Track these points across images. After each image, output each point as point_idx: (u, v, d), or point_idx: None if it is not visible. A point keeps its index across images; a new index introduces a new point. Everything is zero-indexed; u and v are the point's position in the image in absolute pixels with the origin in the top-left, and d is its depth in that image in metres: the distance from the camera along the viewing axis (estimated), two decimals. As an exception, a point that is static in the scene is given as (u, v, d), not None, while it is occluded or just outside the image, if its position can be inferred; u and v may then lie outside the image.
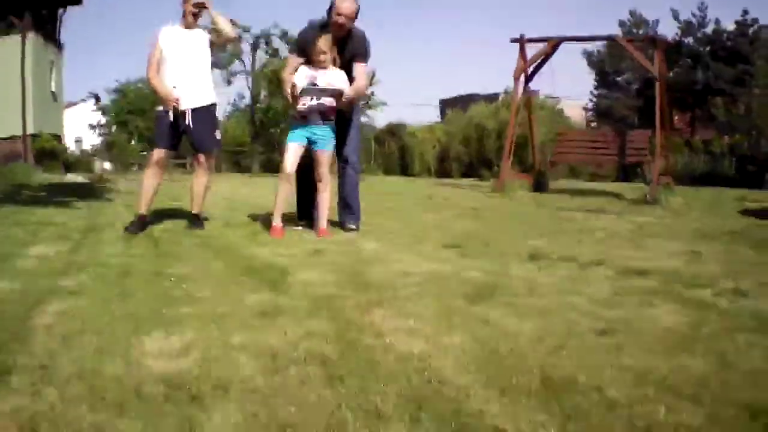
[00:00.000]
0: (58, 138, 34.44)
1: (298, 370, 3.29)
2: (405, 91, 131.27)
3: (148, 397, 2.92)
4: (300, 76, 7.99)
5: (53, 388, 2.97)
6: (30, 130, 30.78)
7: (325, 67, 7.96)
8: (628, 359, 3.47)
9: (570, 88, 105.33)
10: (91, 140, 58.63)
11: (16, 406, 2.78)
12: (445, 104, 61.94)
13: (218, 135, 8.70)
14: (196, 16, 8.36)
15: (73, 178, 25.94)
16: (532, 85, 20.31)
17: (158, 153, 8.40)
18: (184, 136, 8.45)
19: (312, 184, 8.32)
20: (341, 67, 8.20)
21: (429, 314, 4.37)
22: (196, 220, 8.55)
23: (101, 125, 58.34)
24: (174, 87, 8.14)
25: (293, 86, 7.93)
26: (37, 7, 32.11)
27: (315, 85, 7.93)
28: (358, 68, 8.29)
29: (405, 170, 42.07)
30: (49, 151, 31.44)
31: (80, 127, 57.35)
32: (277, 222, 8.07)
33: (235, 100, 58.31)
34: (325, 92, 7.91)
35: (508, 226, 9.94)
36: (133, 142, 52.15)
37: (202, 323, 4.08)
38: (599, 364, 3.38)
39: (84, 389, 2.98)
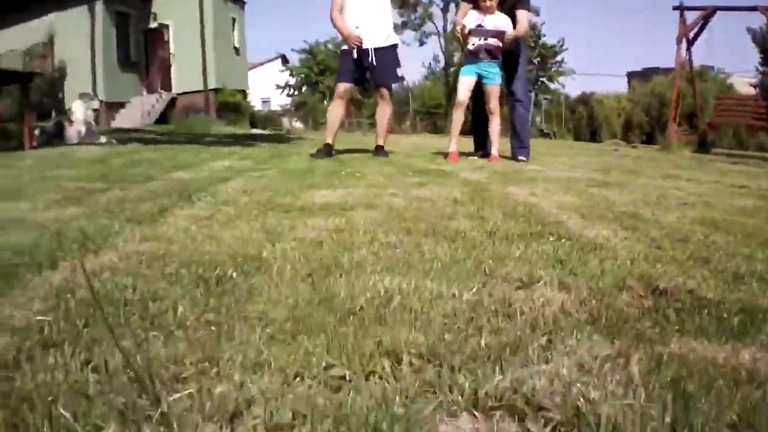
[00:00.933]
0: (243, 93, 36.74)
1: (433, 204, 4.67)
2: (597, 62, 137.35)
3: (308, 208, 4.34)
4: (470, 19, 9.59)
5: (230, 207, 4.39)
6: (212, 85, 33.25)
7: (491, 12, 9.45)
8: (693, 213, 4.69)
9: (739, 64, 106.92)
10: (279, 101, 60.77)
11: (196, 213, 4.18)
12: (632, 76, 66.76)
13: (399, 72, 10.08)
14: None
15: (259, 132, 27.96)
16: (698, 55, 22.36)
17: (342, 86, 9.87)
18: (367, 73, 9.84)
19: (485, 119, 9.86)
20: (505, 13, 9.63)
21: (551, 188, 5.87)
22: (380, 150, 9.90)
23: (289, 85, 60.79)
24: (356, 27, 9.56)
25: (463, 27, 9.59)
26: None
27: (482, 26, 9.47)
28: (520, 14, 9.71)
29: (594, 137, 46.50)
30: (232, 106, 33.66)
31: (267, 88, 60.03)
32: (453, 148, 9.68)
33: (430, 64, 63.49)
34: (490, 33, 9.46)
35: (655, 164, 11.32)
36: (324, 103, 53.60)
37: (365, 187, 5.55)
38: (668, 213, 4.64)
39: (256, 207, 4.39)
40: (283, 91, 60.69)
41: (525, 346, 1.90)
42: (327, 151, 9.53)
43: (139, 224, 3.67)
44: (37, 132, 12.02)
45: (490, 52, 9.41)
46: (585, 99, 53.65)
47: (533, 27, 51.29)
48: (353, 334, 1.96)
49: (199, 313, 2.16)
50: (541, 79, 55.74)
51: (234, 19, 37.54)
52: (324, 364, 1.75)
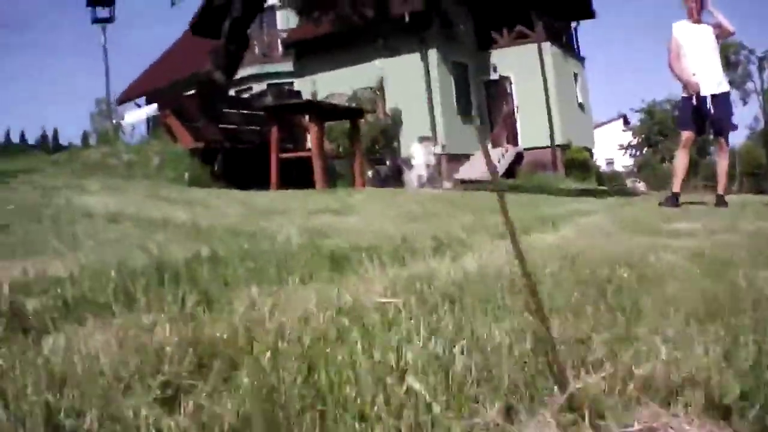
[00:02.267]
0: (589, 151, 36.32)
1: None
2: None
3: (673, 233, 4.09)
4: None
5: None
6: (558, 141, 32.94)
7: None
8: None
9: None
10: (622, 162, 60.93)
11: (564, 234, 4.04)
12: None
13: (734, 119, 10.15)
14: (698, 12, 9.96)
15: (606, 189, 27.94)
16: None
17: (685, 135, 10.10)
18: (706, 121, 9.93)
19: None
20: None
21: None
22: (720, 200, 9.82)
23: (631, 146, 60.77)
24: (693, 74, 9.71)
25: None
26: (548, 19, 34.63)
27: None
28: None
29: None
30: (580, 163, 33.28)
31: (611, 148, 60.05)
32: None
33: (751, 125, 63.96)
34: None
35: None
36: (664, 165, 53.57)
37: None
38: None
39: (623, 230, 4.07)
40: (625, 152, 60.77)
41: None
42: (674, 199, 9.72)
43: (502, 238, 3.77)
44: (370, 173, 12.16)
45: None
46: None
47: None
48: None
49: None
50: None
51: (575, 75, 37.34)
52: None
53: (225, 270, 2.97)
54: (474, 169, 30.29)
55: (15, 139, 42.20)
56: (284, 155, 12.89)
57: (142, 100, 37.63)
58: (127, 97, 40.28)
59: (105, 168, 13.82)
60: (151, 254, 3.27)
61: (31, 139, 42.44)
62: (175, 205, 7.34)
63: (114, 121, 28.07)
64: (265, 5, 22.29)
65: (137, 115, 26.85)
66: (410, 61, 31.17)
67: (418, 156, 13.34)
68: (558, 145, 32.88)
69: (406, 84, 30.36)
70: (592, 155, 37.57)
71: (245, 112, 15.54)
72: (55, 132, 42.78)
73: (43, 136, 41.89)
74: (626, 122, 66.07)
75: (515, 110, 33.83)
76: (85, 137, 38.16)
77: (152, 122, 20.59)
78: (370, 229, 5.00)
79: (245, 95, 26.95)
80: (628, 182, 48.08)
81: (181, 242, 4.19)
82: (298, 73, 33.84)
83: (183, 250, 3.56)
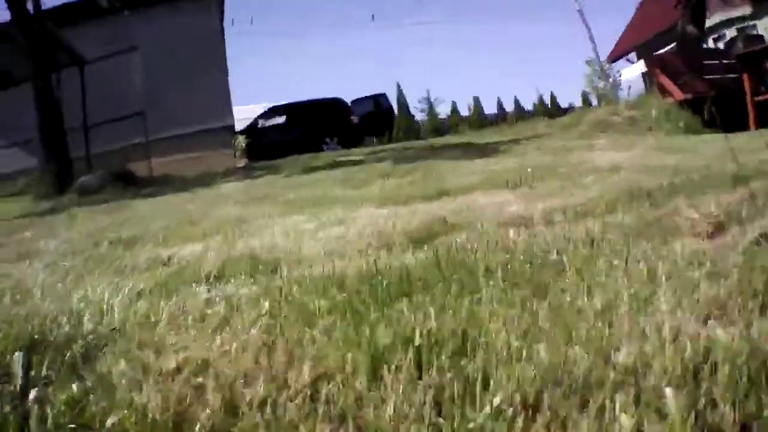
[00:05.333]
0: None
1: None
2: None
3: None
4: None
5: None
6: None
7: None
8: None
9: None
10: None
11: None
12: None
13: None
14: None
15: None
16: None
17: None
18: None
19: None
20: None
21: None
22: None
23: None
24: None
25: None
26: None
27: None
28: None
29: None
30: None
31: None
32: None
33: None
34: None
35: None
36: None
37: None
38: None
39: None
40: None
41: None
42: None
43: None
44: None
45: None
46: None
47: None
48: None
49: None
50: None
51: None
52: None
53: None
54: None
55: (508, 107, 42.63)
56: (758, 98, 13.78)
57: (632, 56, 38.09)
58: (617, 55, 40.20)
59: (609, 125, 15.56)
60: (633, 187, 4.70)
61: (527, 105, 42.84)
62: (668, 154, 8.27)
63: (610, 80, 28.84)
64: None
65: (632, 72, 27.63)
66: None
67: None
68: None
69: None
70: None
71: (722, 61, 16.69)
72: (552, 96, 43.22)
73: (541, 101, 42.60)
74: None
75: None
76: (584, 98, 38.91)
77: (648, 77, 21.60)
78: None
79: (719, 44, 27.13)
80: None
81: (659, 179, 5.25)
82: (756, 15, 32.95)
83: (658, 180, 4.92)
